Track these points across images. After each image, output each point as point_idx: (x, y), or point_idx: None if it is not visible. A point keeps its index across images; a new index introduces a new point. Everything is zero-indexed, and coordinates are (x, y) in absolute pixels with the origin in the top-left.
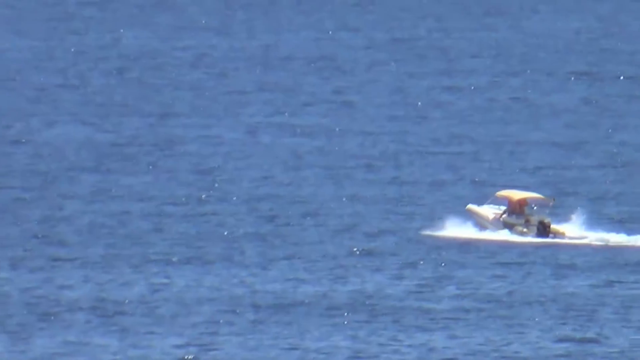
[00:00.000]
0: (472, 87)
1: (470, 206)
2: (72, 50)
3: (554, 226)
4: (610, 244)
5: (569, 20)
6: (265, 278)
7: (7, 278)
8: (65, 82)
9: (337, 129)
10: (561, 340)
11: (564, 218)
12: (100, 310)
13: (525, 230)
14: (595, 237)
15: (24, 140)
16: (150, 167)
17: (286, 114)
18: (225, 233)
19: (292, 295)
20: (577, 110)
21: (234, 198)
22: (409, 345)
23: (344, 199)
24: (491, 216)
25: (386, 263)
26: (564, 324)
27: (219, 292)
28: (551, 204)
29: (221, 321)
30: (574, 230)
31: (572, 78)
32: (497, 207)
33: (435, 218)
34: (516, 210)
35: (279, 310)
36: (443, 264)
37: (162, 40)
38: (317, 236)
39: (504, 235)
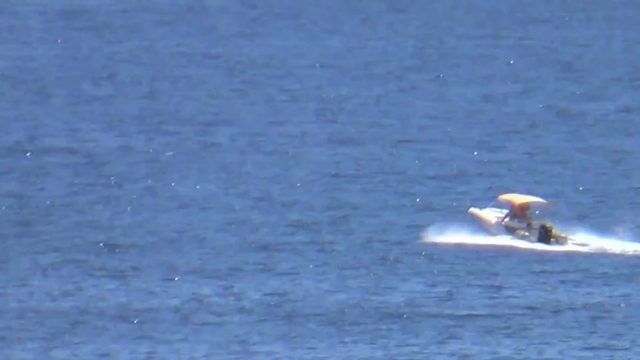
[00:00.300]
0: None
1: (473, 210)
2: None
3: (556, 231)
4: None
5: (603, 28)
6: (297, 286)
7: (38, 286)
8: (101, 90)
9: (371, 138)
10: (592, 348)
11: (568, 222)
12: (130, 319)
13: (527, 234)
14: (599, 244)
15: (57, 148)
16: (182, 175)
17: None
18: (257, 242)
19: (323, 304)
20: (618, 118)
21: (266, 206)
22: (441, 354)
23: (375, 207)
24: (493, 220)
25: (414, 271)
26: (594, 332)
27: (250, 301)
28: (554, 208)
29: (252, 330)
30: (577, 237)
31: (612, 86)
32: (499, 210)
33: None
34: (518, 214)
35: (310, 319)
36: (471, 273)
37: (194, 47)
38: (348, 244)
39: (506, 239)
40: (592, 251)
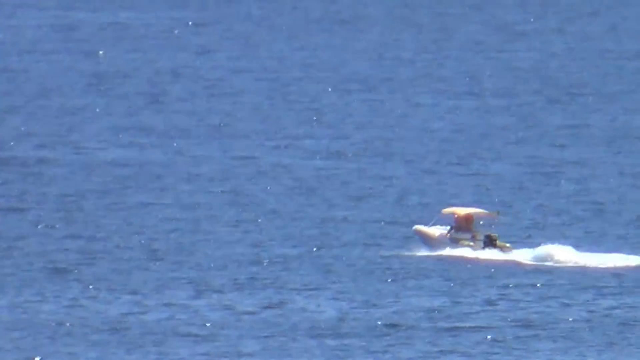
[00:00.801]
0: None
1: (417, 227)
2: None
3: (500, 241)
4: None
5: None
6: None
7: (34, 300)
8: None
9: (378, 150)
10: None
11: (510, 232)
12: (121, 331)
13: (472, 244)
14: (539, 252)
15: (56, 161)
16: (185, 189)
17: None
18: (265, 256)
19: (327, 320)
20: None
21: (274, 220)
22: None
23: (379, 221)
24: (437, 234)
25: (401, 285)
26: (613, 344)
27: (252, 316)
28: (496, 218)
29: (243, 344)
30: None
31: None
32: (443, 227)
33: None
34: (463, 225)
35: (302, 332)
36: (466, 285)
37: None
38: (352, 259)
39: (453, 251)
40: (537, 260)
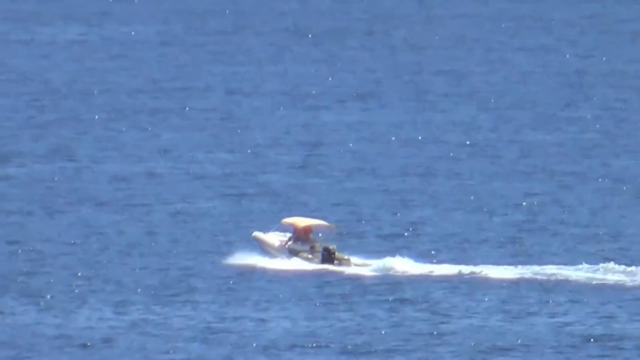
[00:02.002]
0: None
1: (256, 233)
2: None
3: (338, 254)
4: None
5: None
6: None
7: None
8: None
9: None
10: None
11: (348, 244)
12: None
13: (310, 256)
14: (378, 264)
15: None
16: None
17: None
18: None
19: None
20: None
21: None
22: None
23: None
24: (277, 243)
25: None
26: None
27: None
28: (334, 230)
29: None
30: (357, 259)
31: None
32: (282, 234)
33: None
34: (301, 237)
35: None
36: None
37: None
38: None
39: (290, 262)
40: (376, 272)
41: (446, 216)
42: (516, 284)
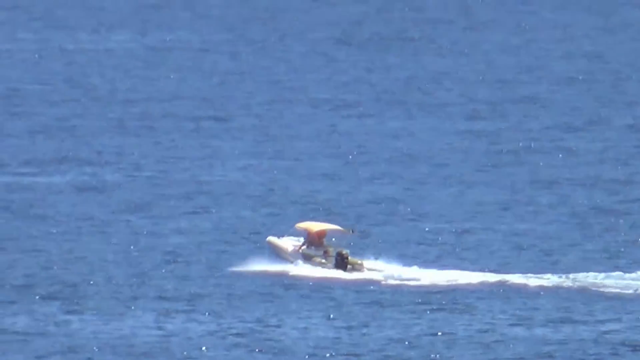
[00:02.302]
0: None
1: (270, 238)
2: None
3: (352, 258)
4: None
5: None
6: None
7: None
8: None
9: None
10: None
11: (362, 249)
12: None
13: (323, 261)
14: (392, 270)
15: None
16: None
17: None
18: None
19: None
20: None
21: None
22: None
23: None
24: (290, 248)
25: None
26: None
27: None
28: (350, 235)
29: None
30: (370, 263)
31: None
32: (296, 239)
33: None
34: (315, 241)
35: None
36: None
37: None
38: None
39: (305, 268)
40: (389, 278)
41: (487, 225)
42: (557, 292)
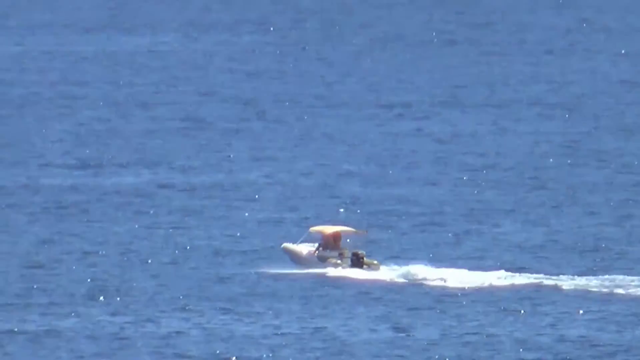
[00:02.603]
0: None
1: (286, 245)
2: None
3: (367, 259)
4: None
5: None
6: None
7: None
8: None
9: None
10: None
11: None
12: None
13: (339, 262)
14: (405, 270)
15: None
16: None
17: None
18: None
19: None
20: None
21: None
22: None
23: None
24: (305, 252)
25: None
26: None
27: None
28: (364, 236)
29: None
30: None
31: None
32: (312, 244)
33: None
34: (330, 244)
35: None
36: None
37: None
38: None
39: (320, 269)
40: (403, 279)
41: (527, 225)
42: (598, 293)
